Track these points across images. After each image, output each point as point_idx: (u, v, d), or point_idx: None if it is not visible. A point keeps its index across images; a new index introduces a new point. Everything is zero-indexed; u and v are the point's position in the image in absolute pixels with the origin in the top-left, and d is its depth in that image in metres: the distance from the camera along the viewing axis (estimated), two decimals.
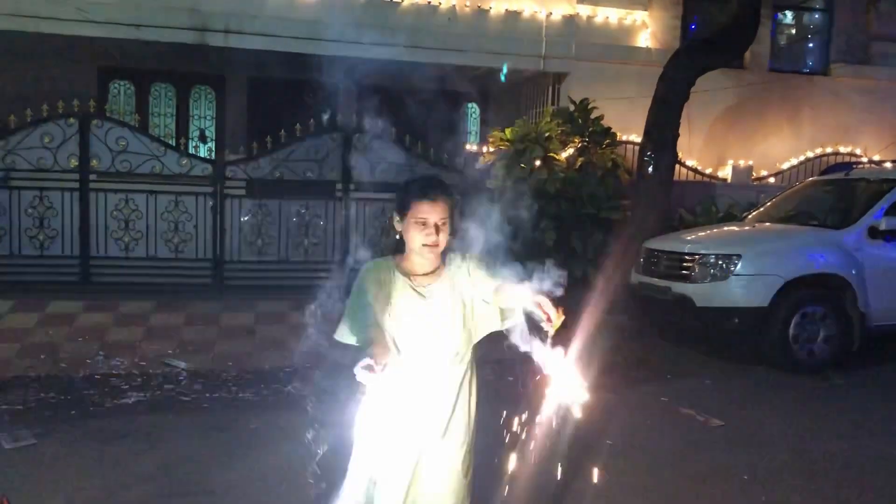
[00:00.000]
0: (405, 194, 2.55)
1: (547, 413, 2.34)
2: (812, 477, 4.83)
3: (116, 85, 12.83)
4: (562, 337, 2.32)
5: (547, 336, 2.28)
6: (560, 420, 2.31)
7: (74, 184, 9.14)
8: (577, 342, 2.35)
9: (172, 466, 4.77)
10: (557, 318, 2.26)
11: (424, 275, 2.58)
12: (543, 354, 2.32)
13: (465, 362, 2.59)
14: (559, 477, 2.40)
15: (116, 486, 4.45)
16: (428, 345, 2.52)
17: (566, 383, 2.28)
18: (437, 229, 2.48)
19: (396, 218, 2.58)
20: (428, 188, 2.51)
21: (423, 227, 2.48)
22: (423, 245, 2.50)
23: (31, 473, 4.62)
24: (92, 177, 9.20)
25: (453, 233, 2.58)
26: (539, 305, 2.27)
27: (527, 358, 2.36)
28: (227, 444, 5.24)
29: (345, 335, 2.58)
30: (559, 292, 2.34)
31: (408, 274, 2.58)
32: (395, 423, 2.52)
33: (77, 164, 9.12)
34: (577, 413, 2.29)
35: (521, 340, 2.39)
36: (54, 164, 9.05)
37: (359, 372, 2.27)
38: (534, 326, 2.36)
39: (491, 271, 2.56)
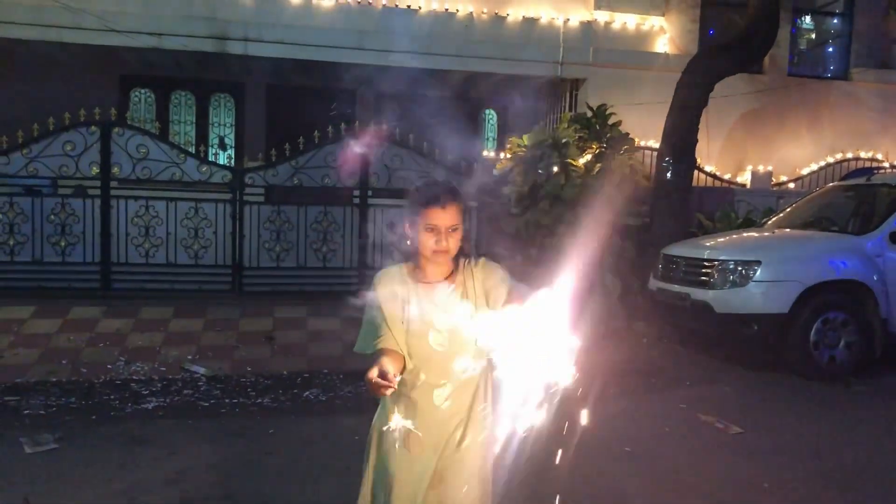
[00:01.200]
0: (415, 200, 2.53)
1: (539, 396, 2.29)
2: (833, 485, 4.78)
3: (137, 93, 12.97)
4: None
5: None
6: (552, 402, 2.28)
7: (96, 191, 9.24)
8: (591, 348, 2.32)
9: (191, 471, 4.80)
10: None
11: (437, 281, 2.58)
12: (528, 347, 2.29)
13: (479, 369, 2.58)
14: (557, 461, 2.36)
15: (136, 490, 4.49)
16: (441, 352, 2.51)
17: (554, 361, 2.25)
18: (448, 235, 2.47)
19: (408, 224, 2.58)
20: (438, 194, 2.49)
21: (433, 233, 2.48)
22: (434, 251, 2.49)
23: (52, 478, 4.66)
24: (113, 184, 9.29)
25: (466, 238, 2.57)
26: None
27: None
28: (246, 449, 5.27)
29: (362, 346, 2.57)
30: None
31: (420, 280, 2.57)
32: (410, 433, 2.52)
33: (98, 171, 9.22)
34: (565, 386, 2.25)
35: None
36: (76, 172, 9.15)
37: (368, 383, 2.27)
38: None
39: (504, 280, 2.55)
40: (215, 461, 5.00)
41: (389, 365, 2.32)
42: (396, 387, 2.29)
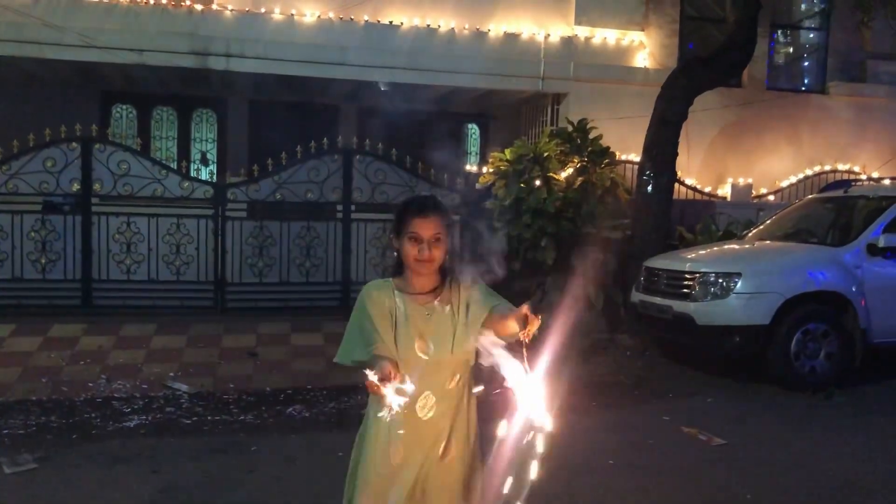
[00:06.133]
0: (401, 213, 2.61)
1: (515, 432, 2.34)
2: (815, 495, 4.82)
3: (119, 109, 12.92)
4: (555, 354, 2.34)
5: (523, 345, 2.30)
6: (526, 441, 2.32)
7: (72, 206, 9.18)
8: (566, 362, 2.35)
9: (174, 489, 4.77)
10: (532, 326, 2.27)
11: (423, 294, 2.61)
12: (515, 375, 2.34)
13: (462, 383, 2.60)
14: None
15: None
16: (425, 365, 2.53)
17: (533, 405, 2.29)
18: (431, 245, 2.53)
19: (394, 237, 2.63)
20: (421, 205, 2.58)
21: (416, 243, 2.53)
22: (417, 260, 2.54)
23: (33, 498, 4.62)
24: (94, 200, 9.24)
25: (451, 251, 2.61)
26: (521, 318, 2.29)
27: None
28: (228, 466, 5.24)
29: (346, 357, 2.59)
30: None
31: (406, 292, 2.61)
32: (394, 443, 2.53)
33: (79, 187, 9.16)
34: (541, 437, 2.29)
35: (494, 359, 2.42)
36: (57, 188, 9.10)
37: (371, 385, 2.30)
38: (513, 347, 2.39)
39: (486, 297, 2.59)
40: (198, 479, 4.97)
41: (389, 367, 2.35)
42: (395, 388, 2.31)
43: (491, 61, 11.48)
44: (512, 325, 2.36)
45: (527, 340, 2.28)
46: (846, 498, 4.78)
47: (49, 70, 11.25)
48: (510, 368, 2.35)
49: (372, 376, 2.27)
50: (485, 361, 2.49)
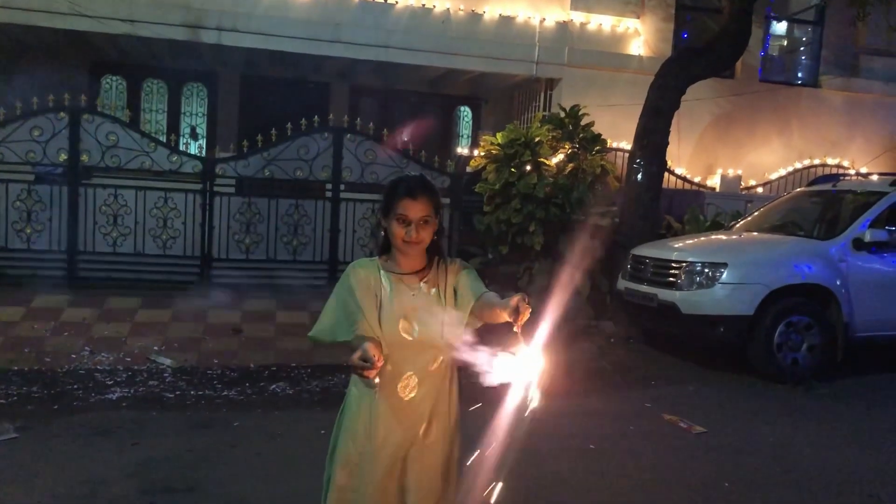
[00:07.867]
0: (389, 192, 2.60)
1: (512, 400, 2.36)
2: (792, 485, 4.87)
3: (108, 80, 12.79)
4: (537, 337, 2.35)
5: (517, 334, 2.31)
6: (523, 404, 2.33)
7: (63, 178, 9.10)
8: (552, 346, 2.36)
9: (155, 463, 4.77)
10: (524, 316, 2.29)
11: (409, 274, 2.61)
12: (503, 363, 2.36)
13: (445, 365, 2.61)
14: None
15: (98, 481, 4.45)
16: (409, 345, 2.54)
17: (527, 367, 2.31)
18: (419, 226, 2.52)
19: (382, 216, 2.62)
20: (410, 186, 2.56)
21: (404, 225, 2.53)
22: (405, 241, 2.53)
23: (12, 467, 4.60)
24: (81, 171, 9.14)
25: (439, 233, 2.61)
26: (513, 310, 2.30)
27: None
28: (210, 441, 5.25)
29: (325, 334, 2.59)
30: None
31: (393, 273, 2.60)
32: (375, 422, 2.54)
33: (66, 158, 9.08)
34: (537, 394, 2.31)
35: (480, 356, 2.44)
36: (43, 158, 9.01)
37: (356, 365, 2.30)
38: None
39: (474, 283, 2.59)
40: (179, 453, 4.97)
41: (373, 349, 2.36)
42: (377, 370, 2.34)
43: (485, 44, 11.43)
44: (501, 316, 2.37)
45: (519, 331, 2.29)
46: (823, 487, 4.83)
47: (38, 38, 11.11)
48: (496, 360, 2.37)
49: (356, 358, 2.30)
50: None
